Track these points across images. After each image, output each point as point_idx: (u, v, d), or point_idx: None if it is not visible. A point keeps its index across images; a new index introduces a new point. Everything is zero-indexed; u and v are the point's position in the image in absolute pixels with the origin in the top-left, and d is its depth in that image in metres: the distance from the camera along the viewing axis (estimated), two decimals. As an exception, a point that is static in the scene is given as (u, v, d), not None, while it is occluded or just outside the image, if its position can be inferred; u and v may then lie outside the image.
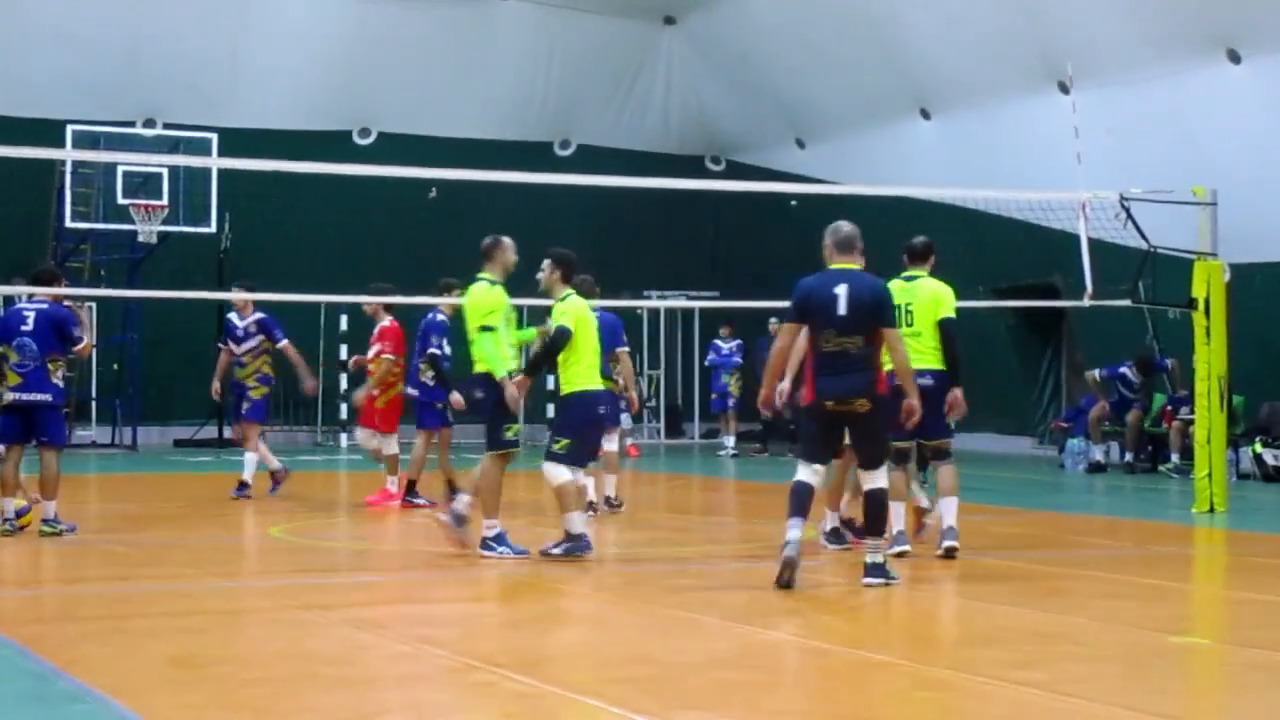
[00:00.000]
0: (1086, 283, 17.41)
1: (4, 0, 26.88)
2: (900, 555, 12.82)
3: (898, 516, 12.99)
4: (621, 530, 16.30)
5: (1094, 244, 17.48)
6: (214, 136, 26.22)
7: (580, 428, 13.45)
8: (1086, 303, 17.65)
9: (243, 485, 18.08)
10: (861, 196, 23.65)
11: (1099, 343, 25.45)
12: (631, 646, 9.62)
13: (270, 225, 28.30)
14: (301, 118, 28.92)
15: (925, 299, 13.33)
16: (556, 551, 13.03)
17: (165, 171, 25.92)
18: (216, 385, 18.79)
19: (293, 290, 21.11)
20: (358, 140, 30.00)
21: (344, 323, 28.62)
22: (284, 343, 18.39)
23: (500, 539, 13.29)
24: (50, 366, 14.71)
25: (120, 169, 25.86)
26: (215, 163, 26.10)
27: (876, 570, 11.68)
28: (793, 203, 26.75)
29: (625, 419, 25.86)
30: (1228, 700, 8.69)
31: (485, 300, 13.59)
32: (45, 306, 14.85)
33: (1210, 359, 17.45)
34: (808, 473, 11.69)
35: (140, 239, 26.48)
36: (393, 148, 28.72)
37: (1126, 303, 18.77)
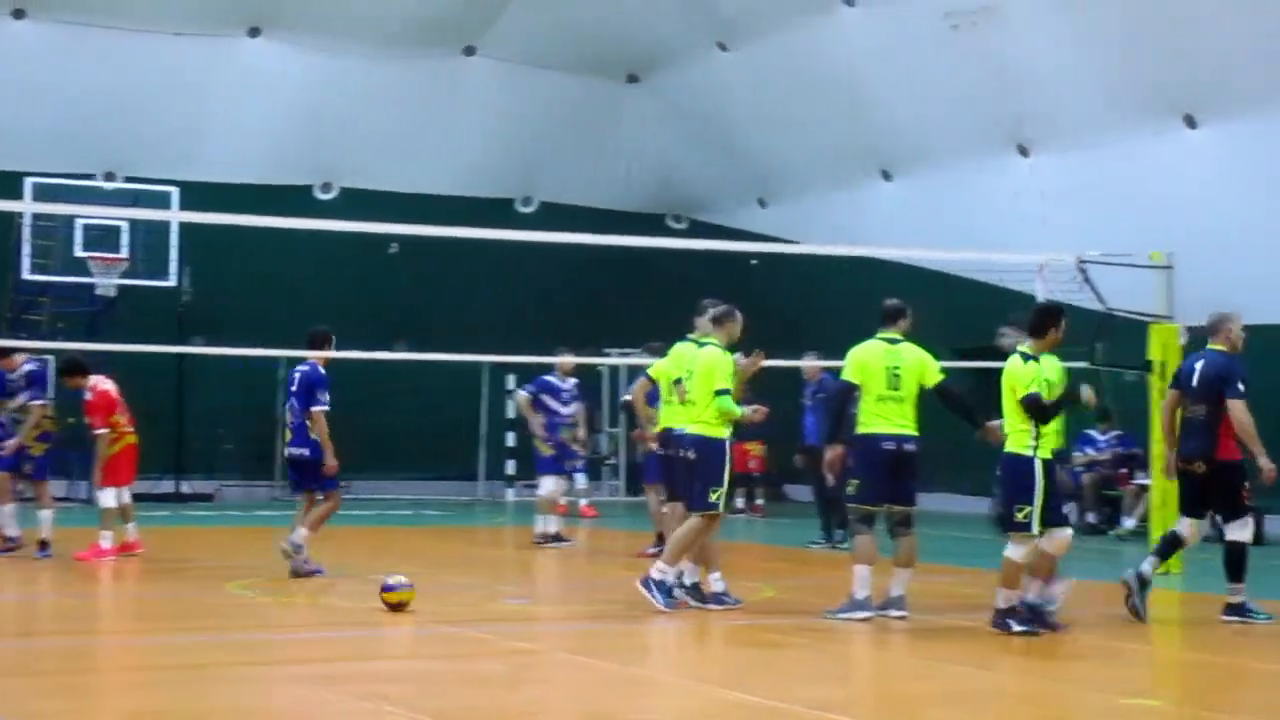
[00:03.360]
0: (1044, 344, 17.46)
1: (-36, 52, 26.87)
2: (864, 620, 12.87)
3: (863, 581, 13.03)
4: (579, 588, 16.31)
5: (1051, 306, 17.56)
6: (175, 190, 26.20)
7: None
8: (1043, 364, 17.70)
9: (43, 545, 17.34)
10: (823, 256, 23.82)
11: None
12: (591, 705, 9.61)
13: (230, 279, 28.27)
14: (263, 171, 28.91)
15: (912, 364, 13.40)
16: (1020, 629, 12.44)
17: (125, 224, 25.86)
18: None
19: (252, 345, 21.08)
20: (319, 195, 29.99)
21: (304, 378, 28.54)
22: (38, 403, 17.61)
23: (664, 586, 13.47)
24: (309, 424, 16.01)
25: (80, 221, 25.79)
26: (175, 216, 26.08)
27: (1236, 610, 13.32)
28: (753, 262, 26.85)
29: (581, 478, 25.96)
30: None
31: (723, 364, 13.59)
32: (308, 369, 16.25)
33: (1166, 421, 17.52)
34: (1184, 525, 13.74)
35: (99, 292, 26.41)
36: (355, 203, 28.71)
37: (1083, 364, 18.84)
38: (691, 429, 13.69)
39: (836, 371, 14.23)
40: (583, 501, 25.54)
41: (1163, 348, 17.64)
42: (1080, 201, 23.34)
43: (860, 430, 13.27)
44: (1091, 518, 23.98)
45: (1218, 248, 21.73)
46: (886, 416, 13.19)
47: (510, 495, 28.87)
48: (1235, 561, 13.38)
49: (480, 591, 15.50)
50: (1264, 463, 13.25)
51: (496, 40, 29.18)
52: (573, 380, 20.25)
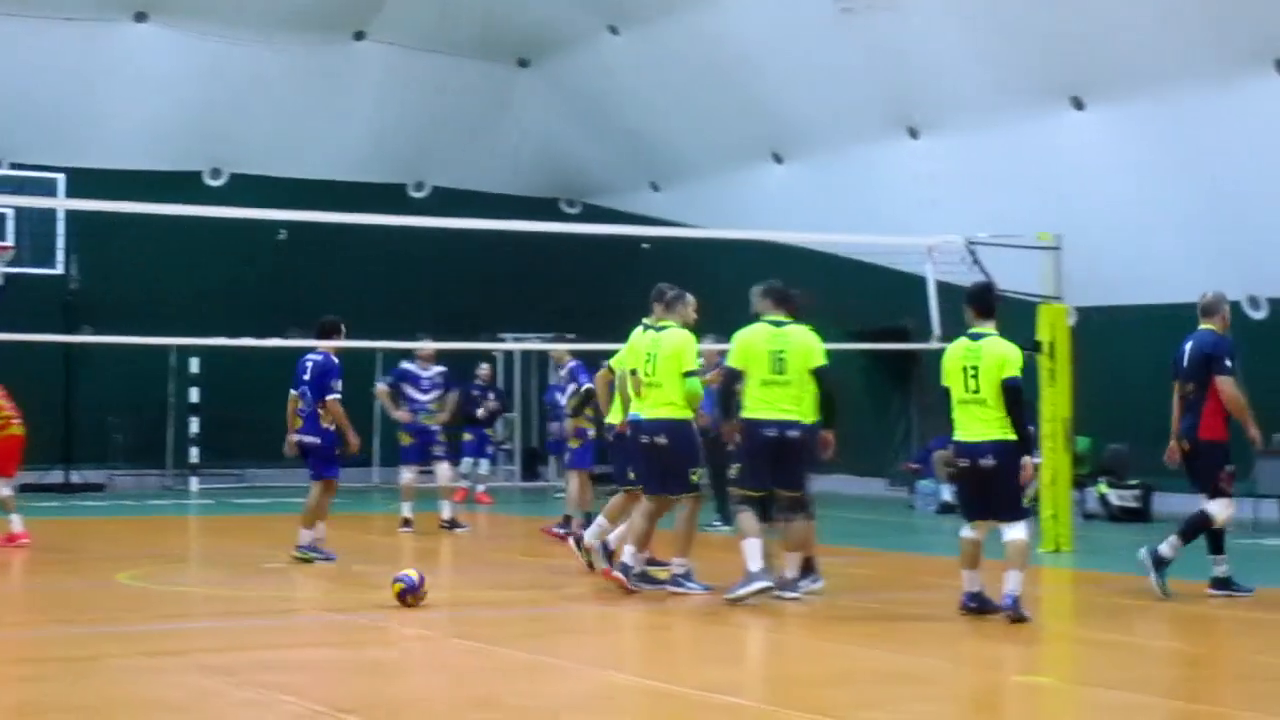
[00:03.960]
0: (934, 325, 17.62)
1: None
2: (759, 593, 12.87)
3: (753, 553, 13.00)
4: (476, 574, 16.29)
5: (942, 287, 17.71)
6: (61, 176, 25.86)
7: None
8: (934, 345, 17.75)
9: None
10: (714, 240, 23.84)
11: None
12: (480, 690, 9.59)
13: (119, 267, 27.97)
14: (152, 158, 28.58)
15: (798, 347, 13.30)
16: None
17: (11, 212, 25.52)
18: None
19: (142, 333, 20.87)
20: (209, 181, 29.65)
21: (195, 365, 28.33)
22: None
23: (689, 576, 13.63)
24: (321, 412, 16.39)
25: (-36, 209, 25.43)
26: (62, 204, 25.74)
27: (1222, 584, 13.58)
28: (644, 245, 26.86)
29: (484, 464, 26.01)
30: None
31: (690, 346, 13.73)
32: (320, 358, 16.62)
33: (1055, 401, 17.73)
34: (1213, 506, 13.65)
35: (-16, 279, 26.07)
36: (245, 189, 28.43)
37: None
38: (658, 414, 13.58)
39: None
40: (480, 488, 25.56)
41: (1051, 328, 17.83)
42: (970, 183, 23.51)
43: (743, 415, 13.22)
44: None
45: (1105, 228, 21.99)
46: (770, 402, 13.12)
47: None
48: (1210, 536, 13.63)
49: (375, 578, 15.42)
50: (1253, 432, 13.66)
51: (386, 25, 28.98)
52: (435, 368, 20.21)
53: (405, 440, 20.27)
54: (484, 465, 26.28)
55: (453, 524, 19.87)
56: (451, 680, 10.11)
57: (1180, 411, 13.88)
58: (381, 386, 20.43)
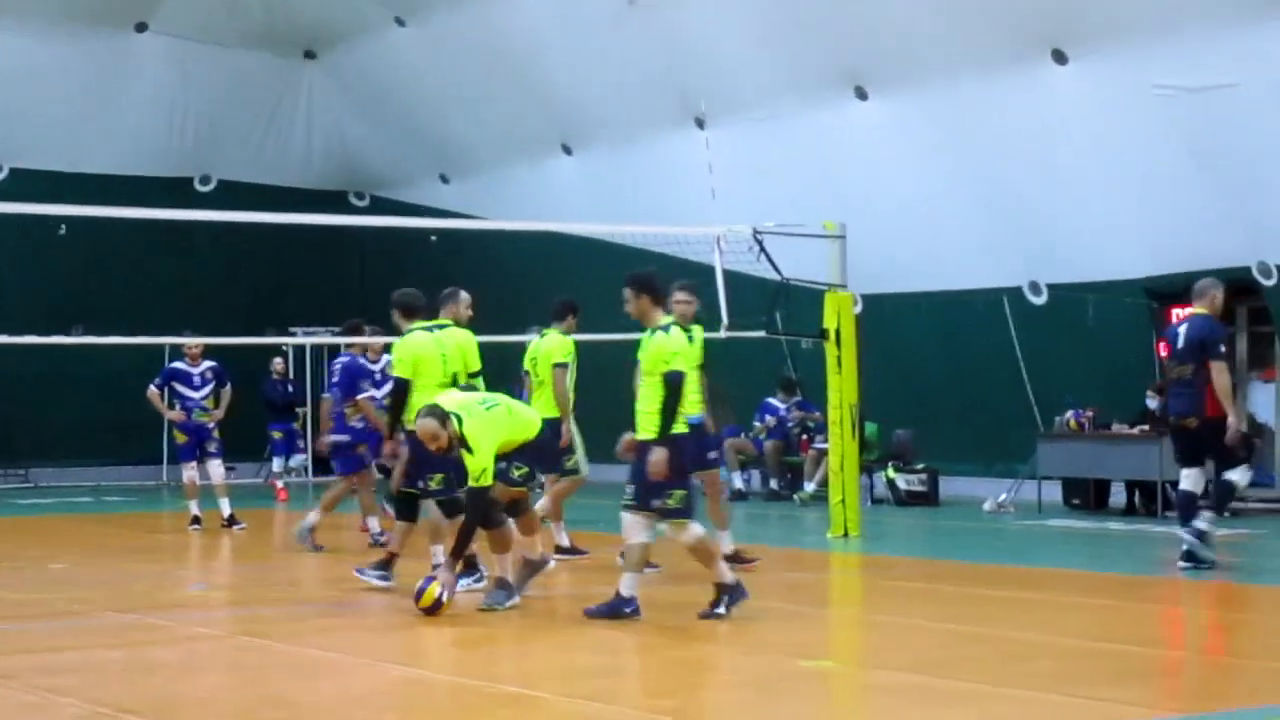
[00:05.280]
0: (723, 314, 17.78)
1: None
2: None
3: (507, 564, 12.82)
4: (266, 572, 16.12)
5: (729, 276, 17.88)
6: None
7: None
8: (723, 334, 17.93)
9: None
10: (503, 232, 23.84)
11: (737, 373, 25.99)
12: (268, 689, 9.51)
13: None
14: (-75, 153, 27.94)
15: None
16: (721, 611, 11.66)
17: None
18: None
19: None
20: (-13, 177, 29.06)
21: (-26, 364, 27.77)
22: None
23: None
24: (347, 411, 17.20)
25: None
26: None
27: (1189, 557, 14.08)
28: (432, 238, 26.74)
29: (296, 458, 25.88)
30: (853, 720, 8.96)
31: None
32: (347, 359, 17.51)
33: (842, 388, 17.97)
34: (1188, 479, 14.31)
35: None
36: (24, 183, 27.87)
37: (762, 334, 19.22)
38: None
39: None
40: (278, 483, 25.37)
41: (837, 315, 18.06)
42: (756, 173, 23.71)
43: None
44: (774, 484, 24.50)
45: (890, 217, 22.34)
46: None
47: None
48: (1221, 496, 14.47)
49: (161, 578, 15.24)
50: (1232, 422, 14.14)
51: (168, 16, 28.51)
52: (205, 363, 20.03)
53: (181, 439, 20.10)
54: (296, 459, 26.36)
55: (231, 521, 19.64)
56: (238, 679, 10.02)
57: (1168, 389, 14.87)
58: (151, 389, 20.09)
